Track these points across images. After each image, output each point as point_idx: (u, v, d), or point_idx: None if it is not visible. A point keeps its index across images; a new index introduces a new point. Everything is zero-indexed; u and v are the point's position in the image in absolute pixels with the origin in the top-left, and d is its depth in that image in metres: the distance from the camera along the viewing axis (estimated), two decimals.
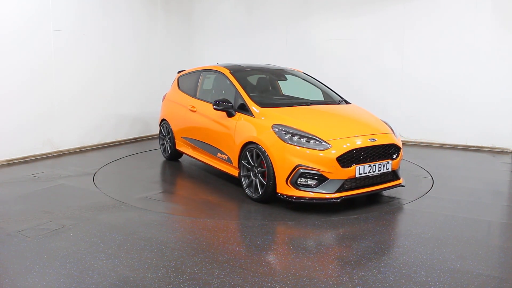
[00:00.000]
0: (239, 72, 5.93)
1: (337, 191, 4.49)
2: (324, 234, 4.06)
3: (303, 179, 4.51)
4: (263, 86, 6.19)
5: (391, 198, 5.08)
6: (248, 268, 3.30)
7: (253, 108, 5.17)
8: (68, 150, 7.62)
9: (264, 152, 4.73)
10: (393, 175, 4.95)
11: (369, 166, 4.61)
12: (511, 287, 3.04)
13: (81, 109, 7.83)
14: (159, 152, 7.55)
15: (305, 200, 4.51)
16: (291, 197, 4.55)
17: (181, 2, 10.27)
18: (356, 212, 4.60)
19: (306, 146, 4.51)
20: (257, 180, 4.86)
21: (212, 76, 6.33)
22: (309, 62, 9.25)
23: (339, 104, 5.78)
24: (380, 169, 4.70)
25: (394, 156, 4.88)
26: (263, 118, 4.99)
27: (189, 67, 10.42)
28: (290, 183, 4.54)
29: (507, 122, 7.81)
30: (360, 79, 9.04)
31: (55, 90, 7.33)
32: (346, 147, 4.50)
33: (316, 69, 8.94)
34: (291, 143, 4.56)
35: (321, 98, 5.97)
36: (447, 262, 3.40)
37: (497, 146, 7.94)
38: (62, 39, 7.35)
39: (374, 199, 5.06)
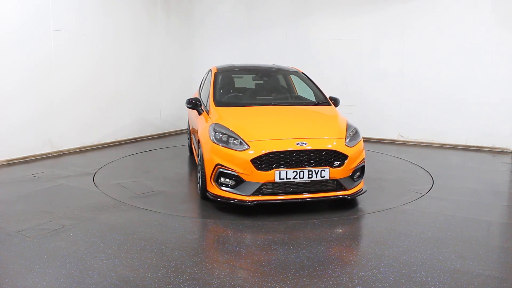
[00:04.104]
0: (224, 72, 6.12)
1: (253, 194, 4.38)
2: (324, 234, 4.06)
3: (227, 179, 4.49)
4: (248, 85, 6.32)
5: (390, 199, 5.08)
6: (248, 268, 3.30)
7: (211, 107, 5.32)
8: (68, 150, 7.62)
9: (201, 149, 4.85)
10: (337, 184, 4.55)
11: (293, 171, 4.34)
12: (511, 287, 3.04)
13: (81, 109, 7.82)
14: (160, 151, 7.60)
15: (222, 200, 4.51)
16: (212, 194, 4.59)
17: (181, 2, 10.27)
18: (356, 212, 4.60)
19: (227, 146, 4.50)
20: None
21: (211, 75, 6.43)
22: (309, 61, 9.24)
23: (316, 105, 5.58)
24: (310, 176, 4.38)
25: (336, 163, 4.48)
26: (212, 117, 5.09)
27: (189, 67, 10.48)
28: (214, 181, 4.57)
29: (507, 122, 7.81)
30: (360, 79, 9.04)
31: (55, 91, 7.33)
32: (263, 149, 4.34)
33: (316, 68, 8.95)
34: (217, 142, 4.57)
35: (312, 98, 5.88)
36: (447, 262, 3.40)
37: (497, 146, 7.94)
38: (62, 39, 7.34)
39: (374, 199, 5.06)
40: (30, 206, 4.72)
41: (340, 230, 4.20)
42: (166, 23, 9.79)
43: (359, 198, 4.97)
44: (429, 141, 8.52)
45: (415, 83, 8.54)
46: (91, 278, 3.11)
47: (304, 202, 4.69)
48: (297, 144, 4.41)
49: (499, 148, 7.91)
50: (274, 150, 4.34)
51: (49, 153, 7.30)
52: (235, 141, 4.50)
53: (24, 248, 3.62)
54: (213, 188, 4.60)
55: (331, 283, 3.06)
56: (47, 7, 7.09)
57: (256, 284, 3.03)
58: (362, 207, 4.79)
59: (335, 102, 5.79)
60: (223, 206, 4.71)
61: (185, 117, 9.52)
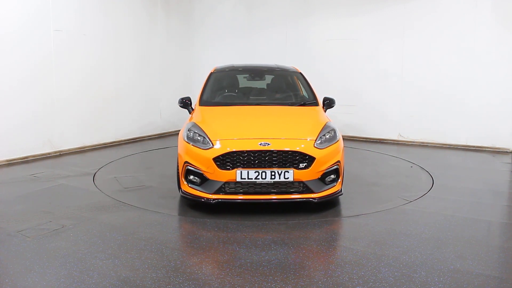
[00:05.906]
0: (219, 72, 6.16)
1: (216, 192, 4.42)
2: (324, 234, 4.06)
3: (195, 177, 4.54)
4: (242, 85, 6.40)
5: (390, 199, 5.08)
6: (248, 268, 3.30)
7: (196, 105, 5.46)
8: (68, 150, 7.61)
9: (178, 147, 4.96)
10: (303, 187, 4.43)
11: (255, 171, 4.32)
12: (511, 287, 3.04)
13: (81, 109, 7.82)
14: (161, 151, 7.63)
15: (189, 196, 4.58)
16: (182, 191, 4.68)
17: (181, 2, 10.27)
18: (356, 212, 4.60)
19: (195, 145, 4.56)
20: None
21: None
22: (309, 61, 9.24)
23: (302, 105, 5.45)
24: (273, 177, 4.33)
25: (301, 165, 4.38)
26: (194, 115, 5.20)
27: (189, 67, 10.48)
28: (184, 178, 4.64)
29: (507, 122, 7.81)
30: (360, 79, 9.04)
31: (54, 91, 7.32)
32: (225, 148, 4.37)
33: (316, 68, 8.96)
34: (187, 140, 4.66)
35: (306, 97, 5.83)
36: (447, 262, 3.40)
37: (497, 146, 7.94)
38: (62, 39, 7.34)
39: (373, 199, 5.06)
40: (30, 206, 4.72)
41: (340, 230, 4.20)
42: (166, 23, 9.79)
43: (333, 201, 4.80)
44: (429, 141, 8.52)
45: (415, 83, 8.53)
46: (91, 278, 3.11)
47: (298, 203, 4.66)
48: (260, 144, 4.38)
49: (499, 148, 7.91)
50: (235, 150, 4.36)
51: (49, 153, 7.30)
52: (203, 140, 4.56)
53: (24, 248, 3.61)
54: (183, 185, 4.68)
55: (331, 283, 3.06)
56: (47, 7, 7.09)
57: (256, 284, 3.03)
58: (338, 210, 4.77)
59: (330, 102, 5.59)
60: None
61: (185, 117, 9.54)
